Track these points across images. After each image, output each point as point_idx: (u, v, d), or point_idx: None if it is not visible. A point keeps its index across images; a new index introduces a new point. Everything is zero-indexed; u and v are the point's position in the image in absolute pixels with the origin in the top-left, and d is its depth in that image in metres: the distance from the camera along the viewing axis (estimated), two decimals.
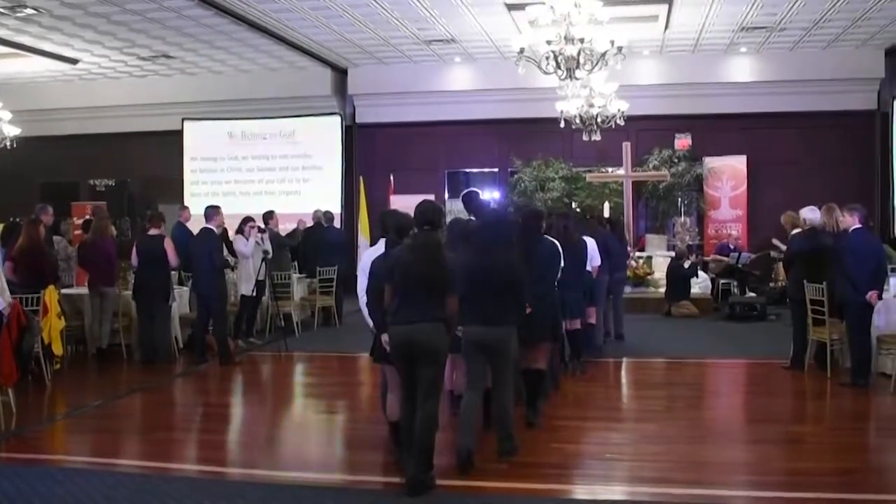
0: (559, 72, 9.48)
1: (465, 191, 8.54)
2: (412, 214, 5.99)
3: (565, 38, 9.25)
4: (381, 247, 6.33)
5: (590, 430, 7.45)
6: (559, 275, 7.54)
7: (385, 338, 5.86)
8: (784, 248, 14.47)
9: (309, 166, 18.49)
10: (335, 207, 16.98)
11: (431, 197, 16.76)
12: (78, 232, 14.80)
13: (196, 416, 8.51)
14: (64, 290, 10.94)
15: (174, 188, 18.84)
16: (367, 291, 6.15)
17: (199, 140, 19.04)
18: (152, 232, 10.70)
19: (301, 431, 7.95)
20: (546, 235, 7.68)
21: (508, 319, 6.25)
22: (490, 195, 17.60)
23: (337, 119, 18.45)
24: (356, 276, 6.42)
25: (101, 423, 7.91)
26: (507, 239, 6.48)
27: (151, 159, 19.30)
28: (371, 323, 6.18)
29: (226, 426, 8.12)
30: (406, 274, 5.66)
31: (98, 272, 10.59)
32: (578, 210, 16.18)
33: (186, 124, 18.98)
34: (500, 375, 6.31)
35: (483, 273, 6.14)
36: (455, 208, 17.90)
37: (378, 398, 8.68)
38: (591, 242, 9.71)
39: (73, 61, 16.90)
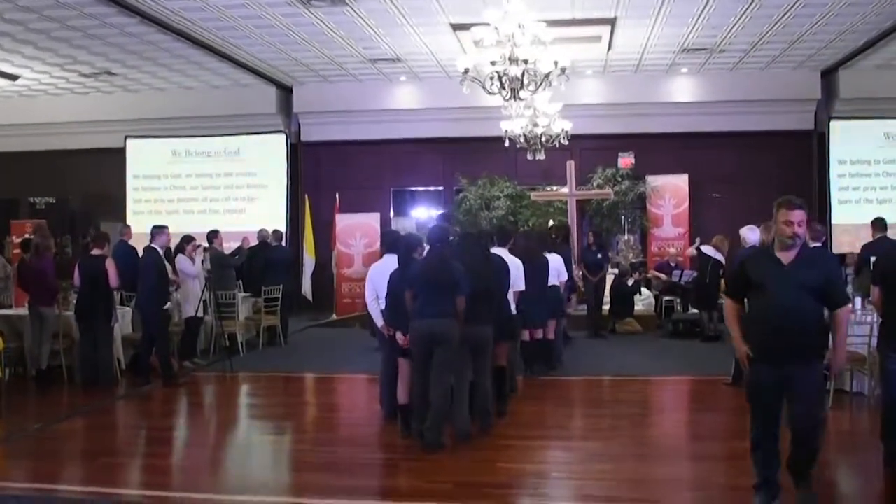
0: (503, 92, 9.56)
1: (463, 233, 10.00)
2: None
3: (510, 58, 9.33)
4: (387, 262, 7.95)
5: (536, 450, 7.49)
6: (523, 288, 8.89)
7: (399, 335, 7.45)
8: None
9: (254, 184, 18.35)
10: (280, 225, 16.91)
11: (377, 215, 16.95)
12: (17, 251, 14.55)
13: (139, 440, 8.38)
14: (2, 311, 10.75)
15: (116, 206, 18.59)
16: (385, 298, 7.71)
17: (142, 157, 18.80)
18: (95, 252, 10.53)
19: (246, 454, 7.88)
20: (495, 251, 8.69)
21: (489, 320, 7.60)
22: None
23: (282, 137, 18.35)
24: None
25: (41, 447, 7.76)
26: (486, 257, 8.05)
27: (93, 177, 19.02)
28: (380, 322, 7.87)
29: (169, 449, 7.99)
30: (425, 281, 7.16)
31: (37, 293, 10.42)
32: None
33: (129, 142, 18.75)
34: (483, 365, 7.64)
35: (470, 283, 7.32)
36: (399, 226, 17.98)
37: (323, 418, 8.73)
38: (557, 259, 10.91)
39: (14, 77, 16.63)
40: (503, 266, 8.46)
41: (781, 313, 5.17)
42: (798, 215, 5.23)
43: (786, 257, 5.30)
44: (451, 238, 8.56)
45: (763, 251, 5.76)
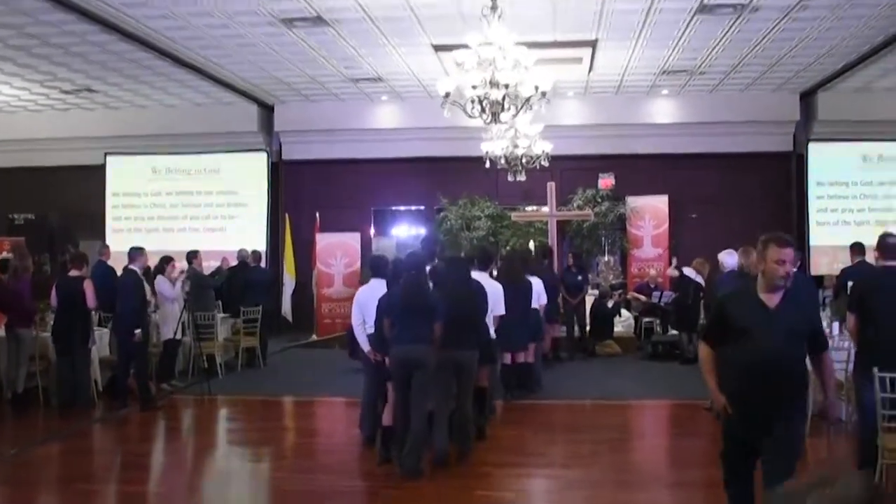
0: (484, 116, 9.55)
1: (449, 257, 10.15)
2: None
3: (490, 82, 9.33)
4: (374, 286, 7.98)
5: (515, 477, 7.48)
6: (504, 311, 8.95)
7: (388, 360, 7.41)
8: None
9: (234, 203, 18.28)
10: (260, 245, 16.85)
11: (357, 234, 16.90)
12: None
13: (115, 466, 8.31)
14: None
15: (96, 223, 18.47)
16: (374, 323, 7.67)
17: (122, 175, 18.71)
18: (73, 273, 10.45)
19: (223, 481, 7.83)
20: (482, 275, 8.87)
21: (474, 345, 7.67)
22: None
23: (263, 155, 18.31)
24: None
25: (16, 473, 7.70)
26: (469, 282, 8.07)
27: (73, 194, 18.84)
28: (367, 347, 7.86)
29: (146, 475, 7.92)
30: (402, 307, 7.22)
31: (14, 315, 10.31)
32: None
33: (109, 159, 18.66)
34: (465, 390, 7.70)
35: (455, 308, 7.40)
36: (380, 245, 17.97)
37: (302, 444, 8.67)
38: (538, 282, 10.89)
39: None
40: (480, 290, 8.45)
41: (767, 362, 4.72)
42: (789, 254, 4.83)
43: (771, 299, 4.85)
44: (437, 261, 8.60)
45: (745, 291, 5.10)
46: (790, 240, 4.89)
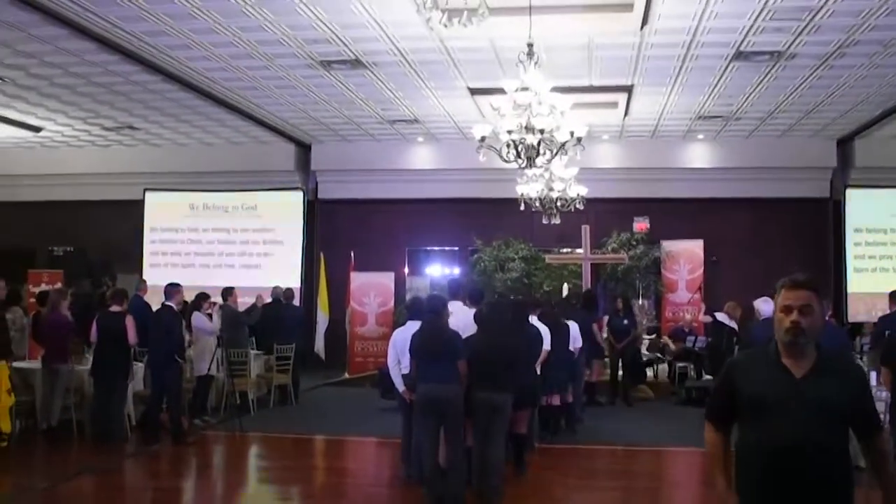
0: (519, 160, 9.59)
1: (494, 301, 10.43)
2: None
3: (526, 127, 9.37)
4: (410, 327, 8.00)
5: None
6: (544, 355, 9.18)
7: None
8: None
9: (270, 240, 18.42)
10: (295, 282, 16.94)
11: (391, 274, 16.93)
12: (32, 300, 14.61)
13: (146, 502, 8.35)
14: (15, 364, 10.78)
15: (133, 257, 18.67)
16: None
17: (160, 211, 18.95)
18: (114, 309, 10.57)
19: None
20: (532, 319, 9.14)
21: (508, 388, 7.53)
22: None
23: (299, 194, 18.47)
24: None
25: None
26: (509, 324, 8.19)
27: (111, 228, 19.06)
28: (402, 388, 7.98)
29: None
30: (423, 351, 7.33)
31: (52, 349, 10.45)
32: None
33: (148, 195, 18.89)
34: (496, 431, 7.54)
35: (491, 350, 7.48)
36: (413, 285, 18.03)
37: (331, 484, 8.67)
38: (573, 326, 11.04)
39: (36, 129, 16.86)
40: (530, 334, 8.61)
41: (790, 451, 3.30)
42: (802, 297, 3.39)
43: (797, 365, 3.39)
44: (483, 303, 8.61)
45: (762, 354, 3.52)
46: (804, 280, 3.47)
